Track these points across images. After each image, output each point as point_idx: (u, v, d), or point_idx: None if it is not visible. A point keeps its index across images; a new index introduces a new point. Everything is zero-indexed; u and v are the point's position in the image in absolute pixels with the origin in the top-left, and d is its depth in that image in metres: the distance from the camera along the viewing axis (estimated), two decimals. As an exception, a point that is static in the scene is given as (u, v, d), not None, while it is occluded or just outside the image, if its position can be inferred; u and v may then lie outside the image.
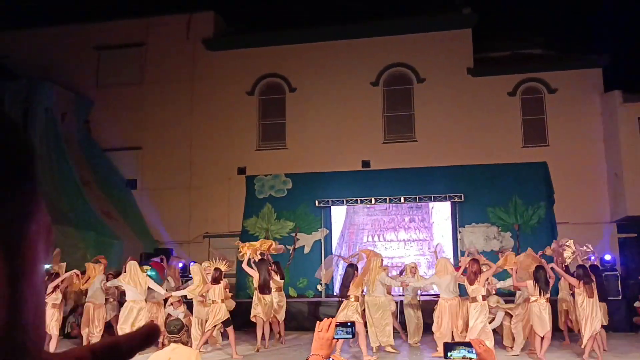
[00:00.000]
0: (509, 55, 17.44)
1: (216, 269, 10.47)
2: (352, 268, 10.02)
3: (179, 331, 5.22)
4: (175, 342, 5.14)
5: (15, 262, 0.51)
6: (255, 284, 11.14)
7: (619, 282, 13.62)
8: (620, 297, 13.50)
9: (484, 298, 9.31)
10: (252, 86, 17.69)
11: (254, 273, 11.17)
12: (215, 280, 10.29)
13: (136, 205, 17.23)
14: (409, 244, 16.48)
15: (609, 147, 15.63)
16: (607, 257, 13.96)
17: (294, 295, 15.50)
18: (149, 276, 10.63)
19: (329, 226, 16.26)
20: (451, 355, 2.27)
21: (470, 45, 16.69)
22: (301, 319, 14.41)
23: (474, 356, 2.23)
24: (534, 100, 16.46)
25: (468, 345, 2.27)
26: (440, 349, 9.62)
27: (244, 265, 11.26)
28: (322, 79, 17.15)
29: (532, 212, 15.35)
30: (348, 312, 9.57)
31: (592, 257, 11.91)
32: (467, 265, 9.50)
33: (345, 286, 9.78)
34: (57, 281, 10.13)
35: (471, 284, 9.22)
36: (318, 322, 1.95)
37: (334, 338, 1.86)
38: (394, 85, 17.18)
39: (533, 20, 23.32)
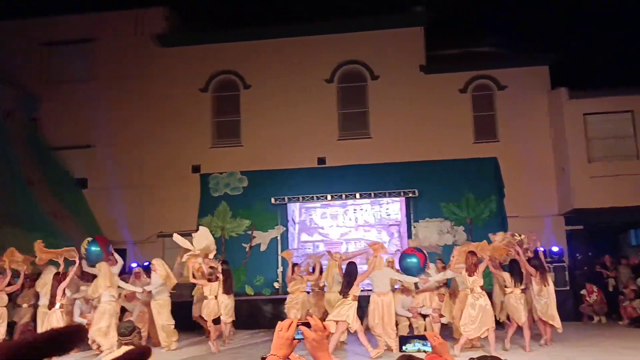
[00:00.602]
0: (460, 53, 17.79)
1: (211, 267, 10.97)
2: (353, 266, 9.91)
3: (130, 333, 5.13)
4: (126, 344, 5.06)
5: None
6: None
7: (567, 272, 14.10)
8: (568, 288, 13.98)
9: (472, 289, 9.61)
10: (205, 83, 17.48)
11: (204, 283, 11.10)
12: (211, 278, 10.86)
13: (87, 205, 16.80)
14: (366, 238, 16.63)
15: (556, 142, 16.12)
16: (555, 248, 14.43)
17: (251, 293, 15.45)
18: (90, 251, 10.54)
19: (285, 223, 16.25)
20: (406, 348, 2.28)
21: (423, 43, 16.94)
22: (258, 317, 14.37)
23: (428, 349, 2.24)
24: (484, 97, 16.83)
25: (423, 338, 2.28)
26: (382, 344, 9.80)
27: (192, 280, 11.23)
28: (277, 76, 17.09)
29: (483, 206, 15.71)
30: (342, 310, 9.49)
31: (541, 249, 12.29)
32: (466, 258, 9.75)
33: (348, 285, 9.58)
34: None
35: (470, 275, 9.54)
36: (279, 321, 1.92)
37: (294, 338, 1.84)
38: (348, 83, 17.28)
39: (483, 19, 23.84)
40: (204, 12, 20.15)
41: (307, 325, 1.85)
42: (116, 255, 11.12)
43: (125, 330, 5.21)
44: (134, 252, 15.91)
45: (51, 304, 9.52)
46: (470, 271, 9.57)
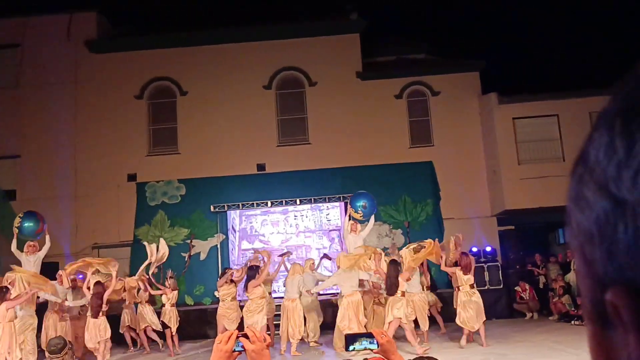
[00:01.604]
0: (395, 60, 18.18)
1: (171, 277, 11.61)
2: (396, 264, 10.14)
3: (60, 351, 4.93)
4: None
5: None
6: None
7: (500, 272, 14.59)
8: (501, 286, 14.47)
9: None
10: (140, 90, 17.08)
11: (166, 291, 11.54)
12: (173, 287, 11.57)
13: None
14: (307, 244, 16.70)
15: (487, 145, 16.69)
16: (488, 248, 14.91)
17: (191, 303, 15.18)
18: (25, 227, 10.23)
19: (225, 231, 16.06)
20: (353, 347, 2.24)
21: (359, 50, 17.19)
22: (198, 327, 14.12)
23: (375, 347, 2.21)
24: (419, 103, 17.24)
25: (370, 336, 2.24)
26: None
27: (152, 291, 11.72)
28: (214, 83, 16.92)
29: (420, 209, 16.07)
30: (394, 309, 9.67)
31: (475, 249, 12.72)
32: (458, 258, 10.51)
33: (393, 284, 9.79)
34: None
35: (465, 273, 10.31)
36: (220, 333, 1.90)
37: (233, 350, 1.82)
38: (286, 89, 17.31)
39: (417, 26, 24.47)
40: (137, 17, 19.71)
41: (247, 337, 1.84)
42: (47, 237, 10.86)
43: (55, 348, 5.00)
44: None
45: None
46: (467, 270, 10.31)
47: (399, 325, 9.77)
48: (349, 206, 11.37)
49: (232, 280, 11.23)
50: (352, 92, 16.96)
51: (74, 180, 16.45)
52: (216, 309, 14.09)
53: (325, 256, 13.39)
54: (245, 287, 10.40)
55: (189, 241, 15.89)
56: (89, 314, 9.80)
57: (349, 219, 11.25)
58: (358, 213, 11.14)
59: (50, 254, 14.89)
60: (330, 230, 16.94)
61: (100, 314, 9.80)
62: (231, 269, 12.42)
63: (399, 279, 9.87)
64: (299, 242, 16.75)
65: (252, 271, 10.45)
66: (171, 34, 17.35)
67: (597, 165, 0.43)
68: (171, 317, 11.37)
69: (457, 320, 10.21)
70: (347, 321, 9.71)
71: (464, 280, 10.35)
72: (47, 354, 5.15)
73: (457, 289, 10.68)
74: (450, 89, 16.98)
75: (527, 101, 16.22)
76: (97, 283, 10.17)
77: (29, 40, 17.03)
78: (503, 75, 20.35)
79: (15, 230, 10.57)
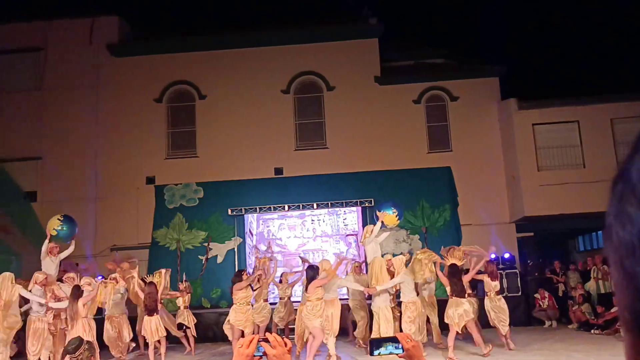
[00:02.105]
0: (414, 65, 18.13)
1: (185, 280, 11.93)
2: (456, 267, 10.18)
3: (76, 350, 4.97)
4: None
5: None
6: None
7: (518, 279, 14.43)
8: (519, 293, 14.32)
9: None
10: (160, 93, 17.26)
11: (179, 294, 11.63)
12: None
13: (37, 219, 16.25)
14: (323, 249, 16.69)
15: (507, 151, 16.56)
16: (506, 255, 14.77)
17: (207, 306, 15.24)
18: (65, 232, 10.28)
19: (242, 235, 16.12)
20: (378, 352, 2.19)
21: (377, 55, 17.18)
22: (215, 330, 14.18)
23: (400, 351, 2.16)
24: (437, 108, 17.17)
25: (394, 340, 2.19)
26: None
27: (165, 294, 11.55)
28: (233, 87, 17.03)
29: (438, 215, 15.98)
30: (459, 310, 9.68)
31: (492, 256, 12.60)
32: (487, 265, 10.69)
33: (457, 286, 9.91)
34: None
35: (493, 280, 10.64)
36: (241, 338, 1.91)
37: (254, 355, 1.83)
38: (304, 93, 17.36)
39: (436, 32, 24.39)
40: (158, 22, 19.94)
41: (267, 341, 1.85)
42: (73, 241, 11.06)
43: (71, 348, 5.05)
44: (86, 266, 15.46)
45: None
46: (493, 276, 10.59)
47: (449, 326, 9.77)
48: (382, 212, 11.01)
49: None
50: (370, 97, 16.95)
51: (95, 182, 16.65)
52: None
53: (303, 259, 12.77)
54: (306, 288, 9.62)
55: (206, 244, 15.97)
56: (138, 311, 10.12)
57: (380, 225, 10.83)
58: (397, 220, 11.07)
59: (70, 255, 15.13)
60: (347, 235, 16.92)
61: (155, 313, 10.18)
62: (245, 270, 12.37)
63: (462, 281, 10.07)
64: (315, 246, 16.76)
65: (313, 271, 9.71)
66: (191, 38, 17.50)
67: (639, 183, 0.46)
68: (188, 317, 11.75)
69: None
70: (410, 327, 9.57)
71: (492, 287, 10.57)
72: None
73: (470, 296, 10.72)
74: (469, 94, 16.89)
75: (547, 107, 16.09)
76: (150, 283, 10.49)
77: (52, 44, 17.31)
78: (523, 81, 20.22)
79: (54, 233, 10.47)
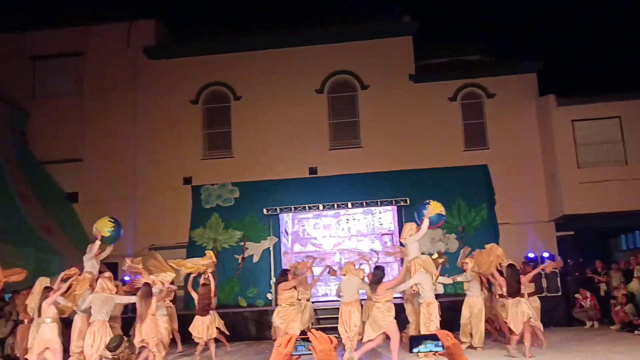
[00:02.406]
0: (449, 62, 17.92)
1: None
2: (514, 267, 10.14)
3: (116, 348, 5.05)
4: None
5: None
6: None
7: (558, 278, 14.13)
8: (559, 293, 14.02)
9: None
10: (196, 95, 17.50)
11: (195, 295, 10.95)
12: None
13: (78, 219, 16.69)
14: (359, 248, 16.63)
15: (545, 148, 16.24)
16: (545, 254, 14.48)
17: (244, 304, 15.37)
18: (115, 235, 10.53)
19: (277, 234, 16.21)
20: (418, 350, 2.18)
21: (412, 52, 17.05)
22: (251, 329, 14.32)
23: (440, 349, 2.14)
24: (473, 105, 16.94)
25: (434, 338, 2.17)
26: None
27: (190, 288, 11.18)
28: (267, 87, 17.15)
29: (474, 214, 15.76)
30: (522, 308, 9.66)
31: (531, 255, 12.41)
32: (525, 267, 11.01)
33: (514, 286, 9.89)
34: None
35: (530, 282, 10.68)
36: (280, 337, 1.92)
37: (292, 355, 1.84)
38: (338, 93, 17.35)
39: (470, 28, 24.06)
40: (193, 24, 20.21)
41: (306, 340, 1.85)
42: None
43: (111, 346, 5.14)
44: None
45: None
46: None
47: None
48: (427, 207, 10.60)
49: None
50: (405, 95, 16.84)
51: (133, 183, 16.99)
52: (267, 311, 14.29)
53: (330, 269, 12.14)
54: (374, 289, 9.25)
55: (242, 243, 16.12)
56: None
57: (427, 225, 10.39)
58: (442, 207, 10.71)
59: (110, 254, 15.47)
60: (383, 234, 16.85)
61: (207, 313, 10.38)
62: (290, 270, 11.93)
63: (521, 280, 10.02)
64: (351, 245, 16.72)
65: (380, 271, 9.48)
66: (225, 40, 17.70)
67: None
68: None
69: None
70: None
71: (529, 288, 10.56)
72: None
73: (497, 297, 10.59)
74: (506, 90, 16.63)
75: (587, 103, 15.73)
76: (204, 284, 10.69)
77: (91, 48, 17.74)
78: (561, 76, 19.78)
79: (107, 234, 10.52)
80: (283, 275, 10.22)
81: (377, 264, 10.27)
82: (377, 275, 9.38)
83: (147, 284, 9.69)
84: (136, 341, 8.95)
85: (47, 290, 9.57)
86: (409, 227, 10.20)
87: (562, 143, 15.65)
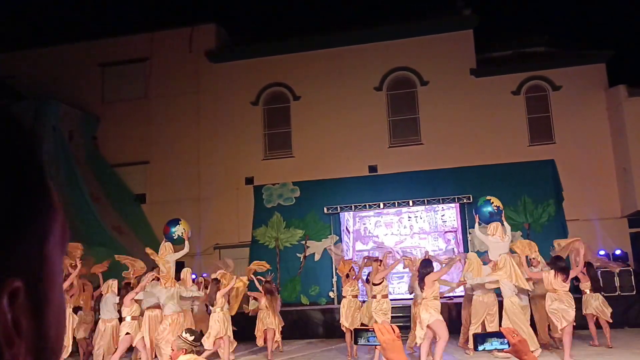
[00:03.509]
0: (512, 55, 17.44)
1: (267, 282, 11.32)
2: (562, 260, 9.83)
3: (197, 340, 5.24)
4: (191, 352, 5.16)
5: (38, 292, 0.49)
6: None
7: (632, 277, 13.51)
8: (634, 292, 13.40)
9: None
10: (256, 96, 17.78)
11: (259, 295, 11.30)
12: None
13: (146, 220, 17.30)
14: (421, 246, 16.46)
15: (616, 142, 15.56)
16: (618, 252, 13.89)
17: (306, 302, 15.50)
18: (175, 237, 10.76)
19: (338, 232, 16.25)
20: (483, 347, 2.18)
21: (472, 46, 16.70)
22: (314, 327, 14.41)
23: (506, 347, 2.13)
24: (538, 98, 16.43)
25: (500, 335, 2.16)
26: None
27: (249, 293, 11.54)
28: (326, 86, 17.21)
29: (541, 210, 15.27)
30: (562, 304, 9.08)
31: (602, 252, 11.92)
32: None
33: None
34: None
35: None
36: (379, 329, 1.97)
37: (356, 344, 1.90)
38: (397, 89, 17.21)
39: (534, 18, 23.31)
40: (252, 26, 20.53)
41: (369, 331, 1.93)
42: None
43: (195, 335, 5.31)
44: (190, 265, 16.20)
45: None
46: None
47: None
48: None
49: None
50: (466, 90, 16.52)
51: (197, 183, 17.46)
52: (330, 309, 14.37)
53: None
54: (420, 286, 8.93)
55: (303, 242, 16.25)
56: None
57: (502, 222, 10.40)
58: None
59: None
60: (446, 232, 16.59)
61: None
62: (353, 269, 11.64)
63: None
64: (413, 243, 16.56)
65: (428, 265, 9.15)
66: (283, 41, 17.89)
67: None
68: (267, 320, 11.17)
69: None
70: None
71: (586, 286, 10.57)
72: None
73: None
74: (573, 82, 16.04)
75: (661, 92, 14.95)
76: (214, 280, 10.65)
77: (156, 54, 18.35)
78: (632, 66, 18.86)
79: (188, 235, 10.86)
80: (429, 266, 9.17)
81: (424, 258, 9.86)
82: (427, 269, 8.98)
83: (216, 279, 10.09)
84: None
85: (126, 288, 10.16)
86: (495, 227, 10.22)
87: (634, 135, 14.95)
